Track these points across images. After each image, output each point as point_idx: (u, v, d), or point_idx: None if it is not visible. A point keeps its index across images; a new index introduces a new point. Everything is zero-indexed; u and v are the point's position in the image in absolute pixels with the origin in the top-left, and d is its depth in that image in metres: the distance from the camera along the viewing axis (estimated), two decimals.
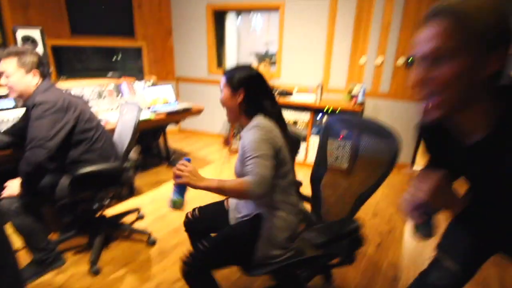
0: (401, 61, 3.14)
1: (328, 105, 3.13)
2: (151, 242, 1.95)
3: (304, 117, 3.29)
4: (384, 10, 3.08)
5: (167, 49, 4.26)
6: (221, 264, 1.24)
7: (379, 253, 1.97)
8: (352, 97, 3.20)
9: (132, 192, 2.43)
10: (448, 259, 0.99)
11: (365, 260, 1.89)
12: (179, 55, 4.33)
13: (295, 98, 3.33)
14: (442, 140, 0.82)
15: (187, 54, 4.27)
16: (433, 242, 1.02)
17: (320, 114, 3.21)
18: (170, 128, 4.15)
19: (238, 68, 1.25)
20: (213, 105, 4.16)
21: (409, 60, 0.70)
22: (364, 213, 2.44)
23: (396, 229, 2.24)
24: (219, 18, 4.07)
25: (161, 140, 3.37)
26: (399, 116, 3.25)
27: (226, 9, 3.95)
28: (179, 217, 2.27)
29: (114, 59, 3.52)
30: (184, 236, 2.02)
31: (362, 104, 3.10)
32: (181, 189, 1.11)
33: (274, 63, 3.97)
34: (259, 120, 1.17)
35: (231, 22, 4.44)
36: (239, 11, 4.28)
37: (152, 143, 3.29)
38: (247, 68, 1.25)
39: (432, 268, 1.05)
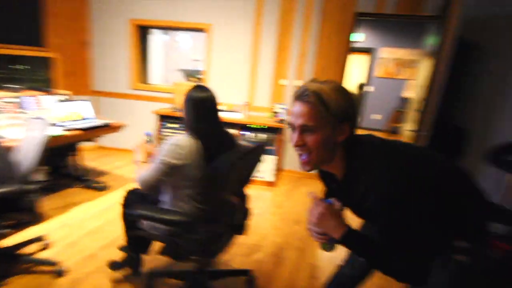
0: None
1: (254, 122, 3.31)
2: (59, 273, 1.73)
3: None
4: (301, 39, 3.46)
5: (83, 61, 3.95)
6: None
7: (300, 256, 2.12)
8: (275, 115, 3.46)
9: (35, 218, 2.12)
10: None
11: (288, 262, 2.02)
12: (99, 69, 4.05)
13: (222, 115, 3.41)
14: (329, 179, 1.02)
15: (108, 68, 4.02)
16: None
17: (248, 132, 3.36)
18: (87, 145, 3.79)
19: (193, 88, 1.40)
20: (136, 121, 3.97)
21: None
22: (286, 221, 2.61)
23: None
24: (143, 33, 3.98)
25: (76, 158, 3.05)
26: None
27: (150, 25, 3.89)
28: (93, 241, 2.08)
29: (17, 69, 3.10)
30: (99, 263, 1.85)
31: (283, 121, 3.36)
32: None
33: (200, 79, 4.03)
34: (179, 137, 1.33)
35: (157, 38, 4.38)
36: (165, 29, 4.26)
37: (61, 162, 2.93)
38: (196, 89, 1.40)
39: (345, 260, 1.32)
